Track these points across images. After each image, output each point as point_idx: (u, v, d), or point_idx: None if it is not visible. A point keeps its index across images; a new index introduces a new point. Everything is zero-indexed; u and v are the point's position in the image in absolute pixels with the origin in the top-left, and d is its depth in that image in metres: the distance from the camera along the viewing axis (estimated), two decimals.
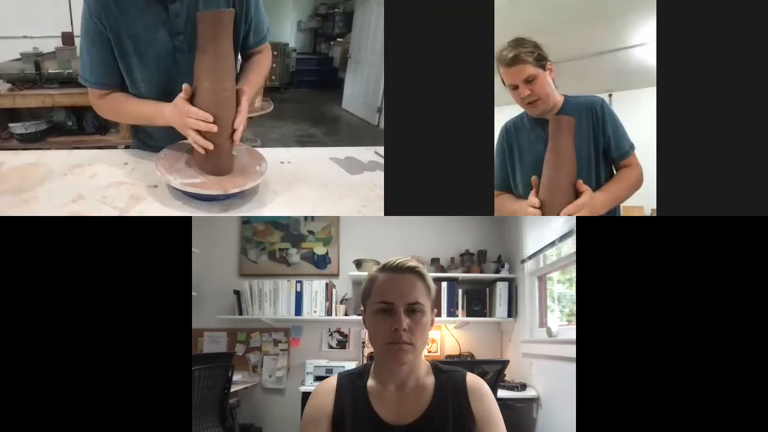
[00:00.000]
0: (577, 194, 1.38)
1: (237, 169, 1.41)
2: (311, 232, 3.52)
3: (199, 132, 1.31)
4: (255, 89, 1.54)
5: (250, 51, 1.62)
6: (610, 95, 3.27)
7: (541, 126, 1.49)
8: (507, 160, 1.57)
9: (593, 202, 1.36)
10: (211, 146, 1.31)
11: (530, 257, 2.91)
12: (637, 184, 1.47)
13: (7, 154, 1.61)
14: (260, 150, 1.53)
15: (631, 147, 1.49)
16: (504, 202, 1.54)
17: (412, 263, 1.00)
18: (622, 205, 1.63)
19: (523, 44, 1.40)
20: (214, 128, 1.30)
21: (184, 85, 1.32)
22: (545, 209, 1.41)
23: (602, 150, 1.47)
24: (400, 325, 0.94)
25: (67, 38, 3.76)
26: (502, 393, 2.62)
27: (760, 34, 1.37)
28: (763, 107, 1.37)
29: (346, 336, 3.42)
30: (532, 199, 1.39)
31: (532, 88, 1.41)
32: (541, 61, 1.41)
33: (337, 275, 3.46)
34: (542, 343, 2.70)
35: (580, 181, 1.37)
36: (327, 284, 3.31)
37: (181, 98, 1.32)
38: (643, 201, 1.61)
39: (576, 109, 1.45)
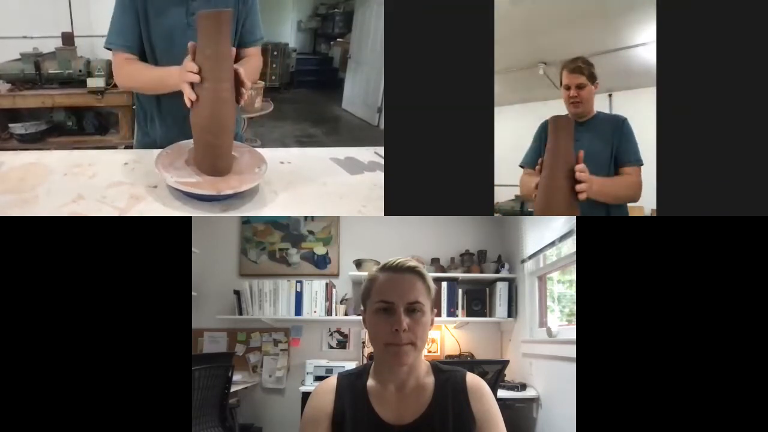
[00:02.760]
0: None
1: (236, 170, 1.40)
2: (311, 232, 3.52)
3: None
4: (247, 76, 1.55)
5: (242, 50, 1.68)
6: (610, 95, 3.26)
7: (574, 127, 1.58)
8: (541, 147, 1.69)
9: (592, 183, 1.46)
10: (194, 97, 1.32)
11: (530, 257, 2.91)
12: (630, 188, 1.64)
13: (7, 154, 1.61)
14: (260, 150, 1.53)
15: (637, 161, 1.66)
16: (531, 176, 1.65)
17: (412, 263, 1.00)
18: None
19: (585, 62, 1.75)
20: (197, 78, 1.31)
21: (189, 44, 1.34)
22: (545, 209, 1.41)
23: (613, 154, 1.66)
24: (400, 325, 0.94)
25: (67, 38, 3.76)
26: (502, 393, 2.61)
27: (760, 34, 1.37)
28: (763, 107, 1.37)
29: (346, 336, 3.42)
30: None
31: (579, 93, 1.72)
32: (592, 78, 1.73)
33: (337, 275, 3.46)
34: (542, 343, 2.70)
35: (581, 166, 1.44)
36: (327, 284, 3.31)
37: (186, 58, 1.35)
38: (643, 201, 1.63)
39: (604, 120, 1.75)
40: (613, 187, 1.61)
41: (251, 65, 1.72)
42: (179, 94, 1.64)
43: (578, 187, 1.38)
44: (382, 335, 0.96)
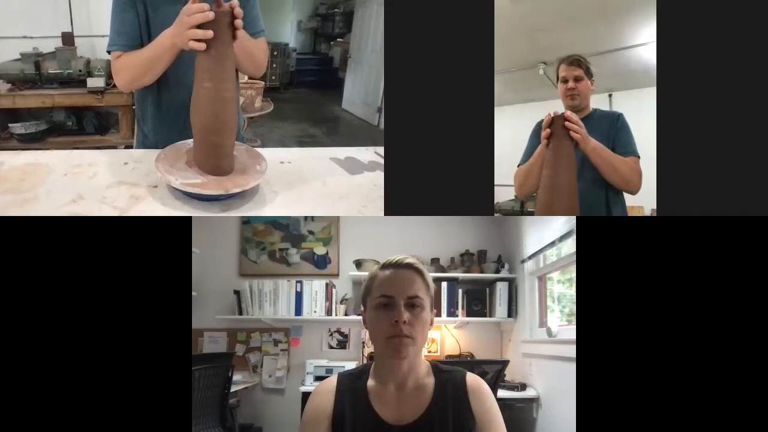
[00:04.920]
0: (579, 195, 1.41)
1: (237, 169, 1.41)
2: (311, 232, 3.52)
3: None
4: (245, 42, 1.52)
5: None
6: (610, 95, 3.27)
7: None
8: (537, 146, 1.67)
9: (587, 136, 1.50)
10: (210, 34, 1.26)
11: (530, 257, 2.91)
12: (628, 166, 1.63)
13: (7, 154, 1.61)
14: (260, 150, 1.53)
15: (634, 152, 1.66)
16: (524, 167, 1.72)
17: (411, 260, 1.01)
18: None
19: (582, 57, 1.78)
20: (212, 15, 1.26)
21: None
22: (545, 209, 1.41)
23: (611, 149, 1.64)
24: (400, 317, 0.94)
25: (67, 38, 3.76)
26: (502, 393, 2.61)
27: (760, 34, 1.37)
28: (763, 107, 1.37)
29: (346, 336, 3.42)
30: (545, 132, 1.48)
31: (577, 85, 1.73)
32: (588, 73, 1.75)
33: (337, 275, 3.46)
34: (542, 343, 2.70)
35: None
36: (327, 284, 3.31)
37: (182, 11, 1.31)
38: (643, 201, 1.63)
39: (600, 116, 1.75)
40: (611, 155, 1.59)
41: (257, 44, 1.66)
42: (178, 92, 1.62)
43: (572, 132, 1.42)
44: (383, 329, 0.96)
